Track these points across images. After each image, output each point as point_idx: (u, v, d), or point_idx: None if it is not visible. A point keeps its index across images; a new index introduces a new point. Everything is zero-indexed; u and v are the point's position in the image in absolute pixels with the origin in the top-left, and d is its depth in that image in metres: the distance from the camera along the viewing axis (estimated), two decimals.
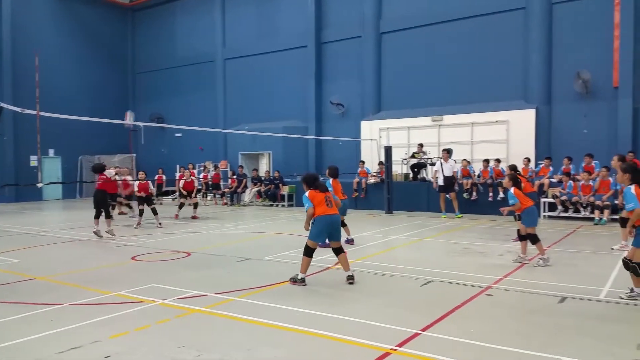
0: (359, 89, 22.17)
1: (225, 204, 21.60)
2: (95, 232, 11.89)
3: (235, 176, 21.90)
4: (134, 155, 28.41)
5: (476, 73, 19.36)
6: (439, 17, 20.16)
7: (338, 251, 7.25)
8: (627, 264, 6.00)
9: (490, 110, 18.61)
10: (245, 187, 21.63)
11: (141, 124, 17.42)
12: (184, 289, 6.80)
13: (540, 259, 8.24)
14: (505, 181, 8.99)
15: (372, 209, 17.45)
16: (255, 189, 21.31)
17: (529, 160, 16.06)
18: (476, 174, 16.69)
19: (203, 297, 6.44)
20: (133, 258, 9.38)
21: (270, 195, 20.77)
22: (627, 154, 15.27)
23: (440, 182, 15.69)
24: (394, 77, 21.37)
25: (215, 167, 23.08)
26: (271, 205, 20.60)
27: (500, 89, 18.88)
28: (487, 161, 16.50)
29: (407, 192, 17.60)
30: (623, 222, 9.07)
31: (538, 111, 18.02)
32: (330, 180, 10.54)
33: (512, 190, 8.51)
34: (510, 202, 8.54)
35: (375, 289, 6.91)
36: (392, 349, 4.60)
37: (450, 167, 15.64)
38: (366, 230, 12.50)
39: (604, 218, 13.52)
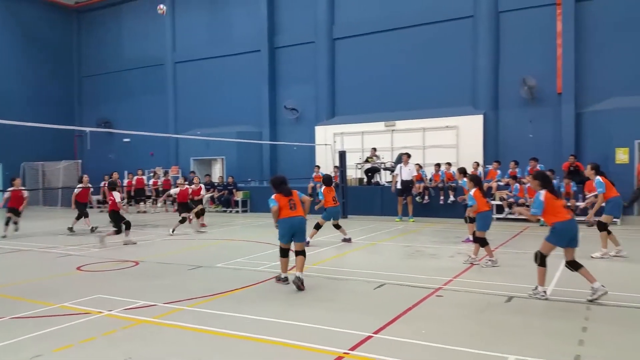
0: (313, 94, 22.24)
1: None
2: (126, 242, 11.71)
3: (187, 182, 21.43)
4: (80, 161, 27.36)
5: (427, 79, 19.77)
6: (391, 24, 20.50)
7: (298, 253, 7.25)
8: (570, 265, 6.36)
9: (440, 115, 19.06)
10: None
11: (87, 129, 16.81)
12: (131, 299, 6.58)
13: (489, 260, 8.45)
14: (467, 182, 9.10)
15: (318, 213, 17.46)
16: (208, 195, 20.96)
17: (478, 164, 16.50)
18: (428, 178, 17.02)
19: (151, 307, 6.25)
20: (78, 268, 9.03)
21: (224, 201, 20.50)
22: (568, 157, 16.02)
23: (399, 185, 15.93)
24: (348, 83, 21.55)
25: (166, 172, 22.57)
26: (224, 211, 20.32)
27: (450, 95, 19.35)
28: (438, 165, 16.85)
29: (362, 196, 17.76)
30: None
31: (486, 117, 18.57)
32: (322, 188, 11.19)
33: (472, 192, 8.66)
34: (469, 203, 8.70)
35: (328, 294, 6.90)
36: (344, 353, 4.60)
37: (410, 171, 15.91)
38: (321, 234, 12.48)
39: None
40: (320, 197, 11.20)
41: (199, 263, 9.20)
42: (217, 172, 24.05)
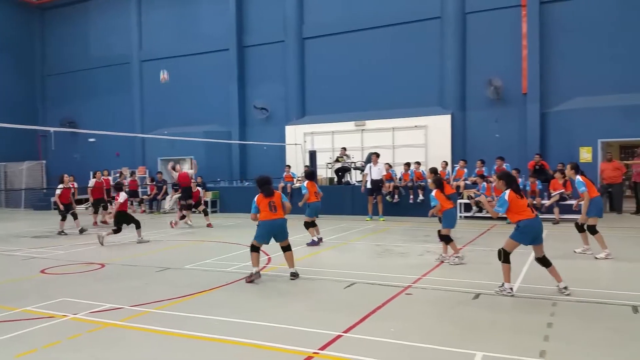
0: (283, 93, 22.16)
1: (144, 211, 20.79)
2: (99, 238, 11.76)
3: (154, 183, 21.13)
4: (44, 162, 26.64)
5: (396, 79, 19.95)
6: (360, 24, 20.59)
7: (285, 249, 7.80)
8: (540, 261, 6.56)
9: (409, 115, 19.27)
10: (166, 193, 20.92)
11: (51, 129, 16.33)
12: (97, 302, 6.43)
13: (456, 257, 8.58)
14: (430, 184, 9.31)
15: (297, 214, 17.40)
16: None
17: (446, 163, 16.71)
18: (398, 177, 17.16)
19: (117, 310, 6.12)
20: (42, 271, 8.78)
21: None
22: (534, 156, 16.38)
23: (369, 185, 16.00)
24: (318, 82, 21.55)
25: (132, 173, 22.15)
26: (193, 211, 20.00)
27: (418, 95, 19.56)
28: (407, 165, 17.00)
29: (332, 196, 17.71)
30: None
31: (453, 116, 18.85)
32: (305, 182, 11.29)
33: (433, 192, 8.83)
34: (432, 203, 8.89)
35: (299, 294, 6.89)
36: (314, 353, 4.58)
37: (379, 171, 16.01)
38: (291, 235, 12.45)
39: None
40: (304, 191, 11.19)
41: (167, 265, 9.05)
42: None
